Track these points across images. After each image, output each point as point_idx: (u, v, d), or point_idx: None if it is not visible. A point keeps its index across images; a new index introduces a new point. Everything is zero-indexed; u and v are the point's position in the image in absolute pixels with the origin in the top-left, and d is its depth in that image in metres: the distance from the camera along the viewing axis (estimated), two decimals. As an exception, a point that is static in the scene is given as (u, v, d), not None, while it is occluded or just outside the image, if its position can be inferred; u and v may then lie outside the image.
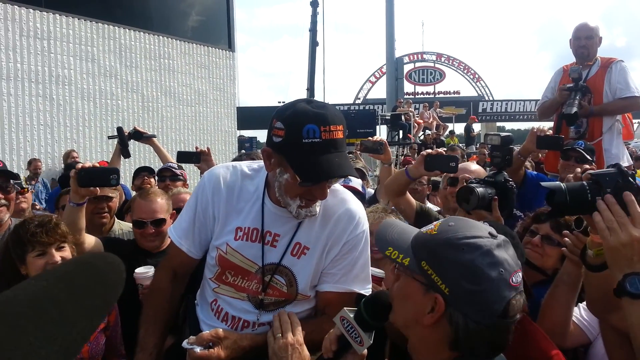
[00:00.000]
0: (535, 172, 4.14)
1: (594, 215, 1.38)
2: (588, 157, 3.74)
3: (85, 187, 2.52)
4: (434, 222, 1.32)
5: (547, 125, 4.62)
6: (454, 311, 1.20)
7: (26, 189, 4.11)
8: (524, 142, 3.81)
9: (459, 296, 1.19)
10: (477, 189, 2.49)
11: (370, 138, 3.73)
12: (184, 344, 1.64)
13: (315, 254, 1.80)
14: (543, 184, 1.56)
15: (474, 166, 3.35)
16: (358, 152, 5.91)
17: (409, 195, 3.32)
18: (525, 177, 3.78)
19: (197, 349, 1.61)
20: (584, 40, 4.49)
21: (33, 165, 8.72)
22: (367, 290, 1.86)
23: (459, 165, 3.33)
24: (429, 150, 3.14)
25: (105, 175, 2.58)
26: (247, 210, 1.82)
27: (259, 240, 1.80)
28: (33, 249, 2.21)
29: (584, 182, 1.41)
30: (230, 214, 1.83)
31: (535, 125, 3.90)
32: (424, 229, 1.32)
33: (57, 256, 2.23)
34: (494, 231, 1.27)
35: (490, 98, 38.12)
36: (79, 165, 2.54)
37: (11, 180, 3.33)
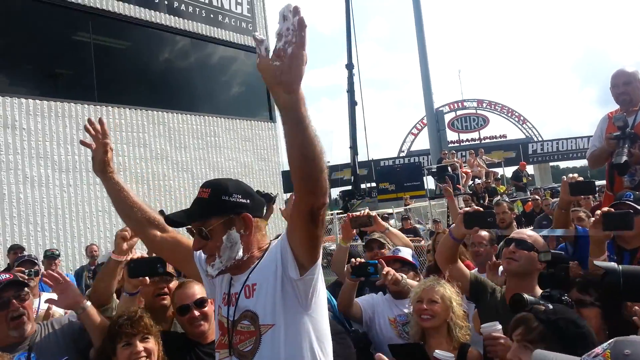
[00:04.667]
0: (585, 228, 3.96)
1: None
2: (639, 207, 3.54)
3: (134, 278, 2.64)
4: (599, 351, 1.16)
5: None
6: None
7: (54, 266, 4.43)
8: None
9: None
10: (529, 298, 2.41)
11: (358, 214, 3.91)
12: None
13: (265, 284, 1.92)
14: (596, 263, 1.50)
15: (529, 232, 3.12)
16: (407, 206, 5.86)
17: (460, 263, 3.19)
18: (576, 233, 3.63)
19: None
20: (622, 87, 4.34)
21: (89, 250, 9.24)
22: None
23: (517, 230, 3.23)
24: (466, 209, 3.07)
25: (153, 264, 2.71)
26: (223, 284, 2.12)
27: (226, 303, 2.03)
28: (120, 339, 2.42)
29: None
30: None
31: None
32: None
33: (140, 346, 2.40)
34: None
35: (539, 139, 37.32)
36: (129, 257, 2.66)
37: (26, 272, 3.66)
